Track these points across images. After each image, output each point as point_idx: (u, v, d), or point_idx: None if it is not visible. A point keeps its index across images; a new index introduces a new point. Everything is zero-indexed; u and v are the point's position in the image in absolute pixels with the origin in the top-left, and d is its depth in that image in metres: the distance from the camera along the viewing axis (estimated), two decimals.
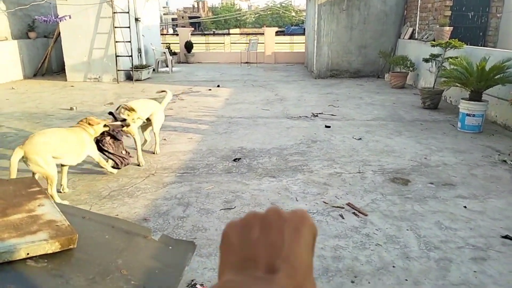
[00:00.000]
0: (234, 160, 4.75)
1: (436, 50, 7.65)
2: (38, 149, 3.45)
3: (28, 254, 1.43)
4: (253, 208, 3.52)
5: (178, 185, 4.03)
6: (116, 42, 10.75)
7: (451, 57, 6.73)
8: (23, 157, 3.41)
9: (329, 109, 7.39)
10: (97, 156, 4.04)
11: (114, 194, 3.82)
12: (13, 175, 3.29)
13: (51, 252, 1.48)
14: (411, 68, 9.46)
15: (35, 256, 1.47)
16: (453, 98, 7.76)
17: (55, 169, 3.57)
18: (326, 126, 6.19)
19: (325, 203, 3.62)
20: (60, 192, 3.84)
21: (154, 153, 4.95)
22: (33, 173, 3.49)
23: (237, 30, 37.83)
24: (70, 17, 10.30)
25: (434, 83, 7.57)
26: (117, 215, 3.37)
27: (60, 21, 10.36)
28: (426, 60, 7.77)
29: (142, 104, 4.78)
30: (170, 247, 2.04)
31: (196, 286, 2.48)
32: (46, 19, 10.07)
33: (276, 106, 7.73)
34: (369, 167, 4.50)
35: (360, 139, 5.55)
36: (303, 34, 16.47)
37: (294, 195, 3.78)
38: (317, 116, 6.90)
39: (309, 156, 4.88)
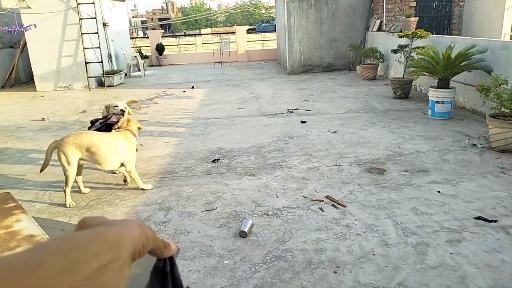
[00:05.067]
0: (213, 161, 4.76)
1: (404, 41, 7.85)
2: (67, 148, 3.63)
3: None
4: (235, 208, 3.55)
5: (157, 190, 4.01)
6: (85, 48, 10.56)
7: (418, 47, 6.92)
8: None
9: (303, 105, 7.48)
10: (129, 166, 3.92)
11: (93, 204, 3.78)
12: (46, 164, 3.75)
13: None
14: (381, 60, 9.67)
15: None
16: (422, 87, 7.98)
17: (74, 171, 3.70)
18: (302, 122, 6.27)
19: (305, 197, 3.68)
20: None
21: None
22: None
23: (208, 30, 37.63)
24: (35, 26, 10.04)
25: (404, 73, 7.76)
26: None
27: (25, 30, 10.09)
28: (395, 51, 7.96)
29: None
30: None
31: None
32: (10, 29, 9.78)
33: (252, 105, 7.77)
34: (345, 159, 4.60)
35: (336, 132, 5.65)
36: (274, 31, 16.57)
37: (274, 192, 3.82)
38: (292, 112, 6.98)
39: (287, 152, 4.94)
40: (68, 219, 3.46)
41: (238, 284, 2.52)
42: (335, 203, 3.53)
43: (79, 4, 10.30)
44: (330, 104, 7.42)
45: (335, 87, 9.17)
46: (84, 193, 3.99)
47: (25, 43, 10.90)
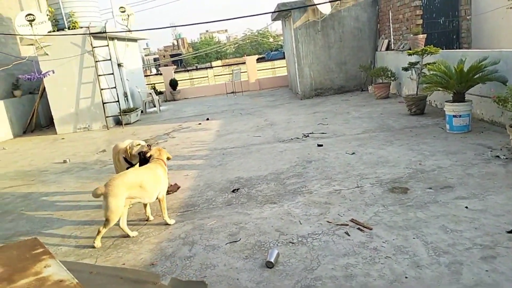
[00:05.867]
0: (233, 191, 4.76)
1: (414, 58, 7.85)
2: (117, 191, 3.62)
3: None
4: (259, 237, 3.51)
5: (180, 224, 4.01)
6: (102, 89, 10.89)
7: (429, 63, 6.90)
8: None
9: (318, 128, 7.48)
10: (163, 194, 4.04)
11: (118, 243, 3.79)
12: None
13: None
14: (392, 78, 9.67)
15: None
16: (437, 102, 7.91)
17: (120, 214, 3.71)
18: (319, 145, 6.25)
19: (329, 222, 3.62)
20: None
21: None
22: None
23: (219, 62, 38.42)
24: (53, 72, 10.44)
25: (417, 89, 7.73)
26: (124, 264, 3.33)
27: (44, 77, 10.49)
28: (406, 69, 7.96)
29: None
30: None
31: None
32: (29, 76, 10.19)
33: (267, 132, 7.81)
34: (366, 180, 4.53)
35: (354, 153, 5.60)
36: (283, 58, 16.81)
37: (297, 219, 3.78)
38: (308, 136, 6.97)
39: (306, 177, 4.90)
40: (94, 261, 3.47)
41: None
42: (360, 226, 3.46)
43: (94, 47, 10.71)
44: (345, 126, 7.40)
45: (348, 108, 9.17)
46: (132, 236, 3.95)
47: (44, 88, 11.32)
